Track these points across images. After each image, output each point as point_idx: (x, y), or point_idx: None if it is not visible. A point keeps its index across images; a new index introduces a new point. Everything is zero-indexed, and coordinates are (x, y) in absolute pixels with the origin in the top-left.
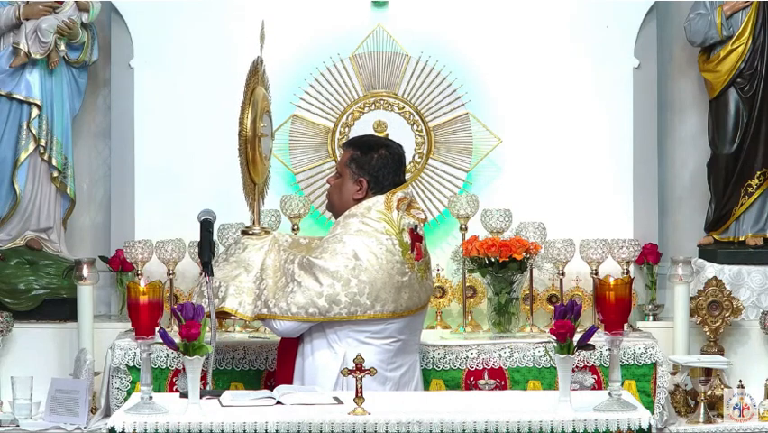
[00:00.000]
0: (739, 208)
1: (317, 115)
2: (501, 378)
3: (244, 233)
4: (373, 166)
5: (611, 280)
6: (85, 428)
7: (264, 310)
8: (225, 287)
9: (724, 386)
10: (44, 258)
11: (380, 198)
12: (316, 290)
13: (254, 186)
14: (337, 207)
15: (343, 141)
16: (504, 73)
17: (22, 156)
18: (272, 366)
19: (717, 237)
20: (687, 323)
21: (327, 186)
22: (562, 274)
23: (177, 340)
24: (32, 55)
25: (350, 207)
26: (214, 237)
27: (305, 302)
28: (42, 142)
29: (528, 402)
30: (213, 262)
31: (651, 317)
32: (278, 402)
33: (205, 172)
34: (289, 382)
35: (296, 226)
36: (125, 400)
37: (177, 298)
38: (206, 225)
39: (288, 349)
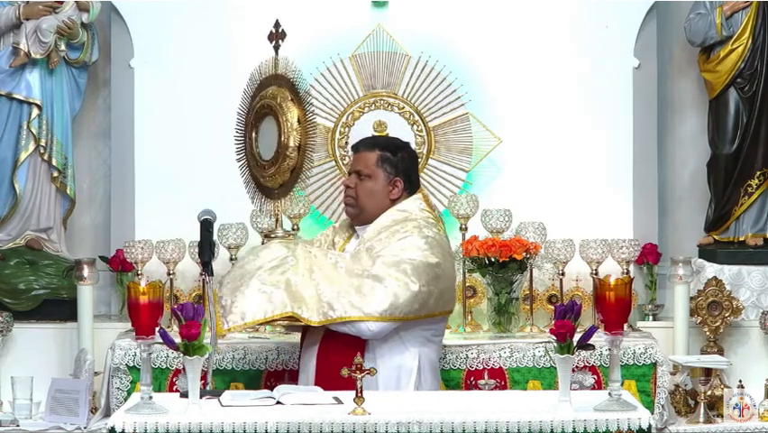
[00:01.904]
0: (739, 208)
1: (317, 115)
2: (501, 378)
3: (267, 237)
4: (406, 166)
5: (611, 281)
6: (85, 428)
7: (354, 313)
8: (280, 292)
9: (724, 386)
10: (44, 258)
11: (418, 198)
12: (413, 289)
13: (284, 190)
14: (370, 208)
15: (344, 141)
16: (504, 73)
17: (23, 156)
18: (272, 366)
19: (717, 237)
20: (687, 323)
21: (338, 188)
22: (562, 274)
23: (177, 340)
24: (32, 55)
25: (385, 208)
26: (215, 237)
27: (402, 302)
28: (42, 142)
29: (528, 402)
30: (244, 269)
31: (651, 317)
32: (278, 402)
33: (205, 172)
34: (350, 386)
35: (296, 226)
36: (125, 400)
37: (177, 298)
38: (206, 225)
39: (350, 352)
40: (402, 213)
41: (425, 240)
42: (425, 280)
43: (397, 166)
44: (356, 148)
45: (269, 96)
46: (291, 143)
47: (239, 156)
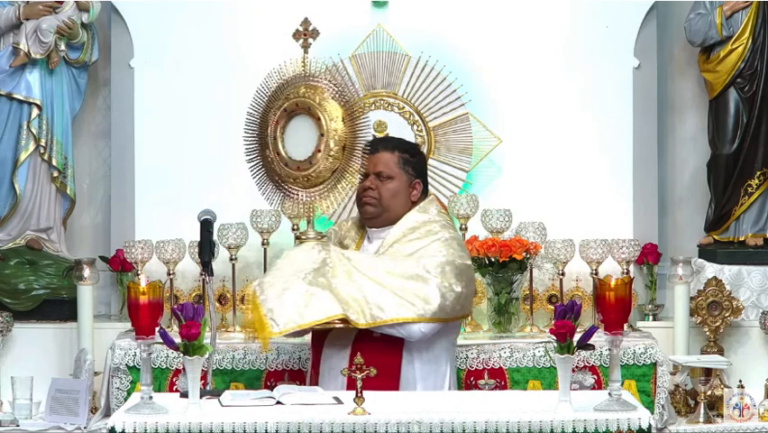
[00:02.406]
0: (739, 208)
1: None
2: (501, 378)
3: (298, 238)
4: (423, 167)
5: (611, 281)
6: (85, 428)
7: (406, 314)
8: (327, 294)
9: (724, 386)
10: (44, 258)
11: (433, 200)
12: (457, 291)
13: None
14: (394, 209)
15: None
16: (504, 73)
17: (23, 156)
18: (272, 366)
19: (717, 237)
20: (687, 323)
21: (356, 188)
22: (562, 274)
23: (177, 340)
24: (32, 55)
25: (407, 210)
26: (214, 237)
27: (449, 303)
28: (42, 142)
29: (528, 402)
30: (284, 271)
31: (651, 317)
32: (278, 402)
33: (205, 172)
34: (395, 387)
35: (295, 227)
36: (125, 400)
37: (177, 298)
38: (206, 225)
39: (389, 357)
40: (424, 215)
41: (457, 241)
42: (464, 281)
43: (417, 168)
44: (373, 149)
45: (303, 96)
46: (333, 144)
47: (251, 156)
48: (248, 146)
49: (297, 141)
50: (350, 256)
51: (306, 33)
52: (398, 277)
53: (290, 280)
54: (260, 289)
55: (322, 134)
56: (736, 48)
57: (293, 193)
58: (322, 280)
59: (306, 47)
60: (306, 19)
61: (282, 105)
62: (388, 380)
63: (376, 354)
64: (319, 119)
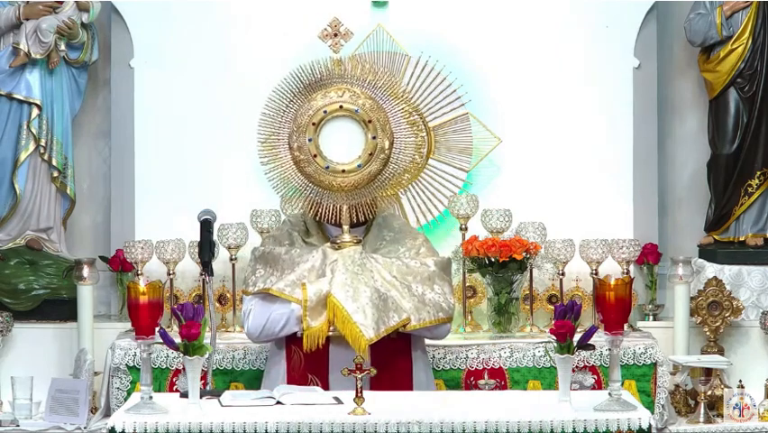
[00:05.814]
0: (739, 208)
1: None
2: (501, 378)
3: (334, 243)
4: None
5: (611, 280)
6: (85, 428)
7: (441, 315)
8: (395, 299)
9: (724, 386)
10: (44, 258)
11: None
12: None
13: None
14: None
15: None
16: (504, 73)
17: (23, 156)
18: None
19: (717, 237)
20: (687, 323)
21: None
22: (562, 274)
23: (177, 340)
24: (32, 55)
25: None
26: (214, 237)
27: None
28: (42, 142)
29: (528, 402)
30: (349, 273)
31: (651, 317)
32: (278, 402)
33: (204, 172)
34: (409, 388)
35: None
36: (125, 400)
37: (177, 298)
38: (206, 225)
39: (402, 356)
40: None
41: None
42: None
43: None
44: None
45: (346, 101)
46: (387, 147)
47: (269, 159)
48: (267, 148)
49: (338, 144)
50: (376, 258)
51: (336, 34)
52: (423, 279)
53: (359, 287)
54: (338, 298)
55: (374, 137)
56: (736, 48)
57: (330, 198)
58: (381, 285)
59: (336, 49)
60: (336, 19)
61: (320, 107)
62: (402, 381)
63: (396, 360)
64: (370, 121)
